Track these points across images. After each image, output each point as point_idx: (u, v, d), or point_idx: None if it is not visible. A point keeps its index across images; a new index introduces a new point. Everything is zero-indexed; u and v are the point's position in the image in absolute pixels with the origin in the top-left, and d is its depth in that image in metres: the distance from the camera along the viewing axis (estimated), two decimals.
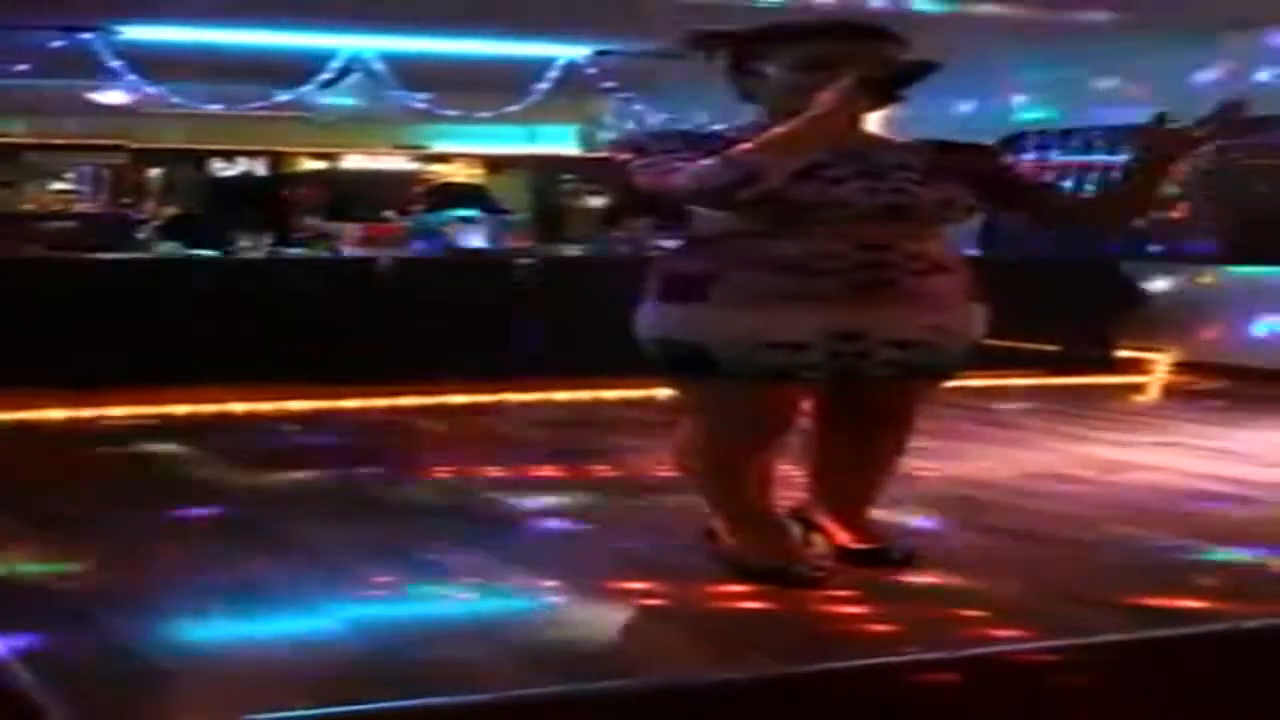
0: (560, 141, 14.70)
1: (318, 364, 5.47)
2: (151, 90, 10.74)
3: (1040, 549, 3.35)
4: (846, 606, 2.79)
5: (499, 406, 5.43)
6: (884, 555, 3.11)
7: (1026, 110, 9.05)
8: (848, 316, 2.80)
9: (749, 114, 3.01)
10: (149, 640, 2.54)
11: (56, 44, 9.69)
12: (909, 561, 3.10)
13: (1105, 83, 8.43)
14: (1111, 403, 6.21)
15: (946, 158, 2.96)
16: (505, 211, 9.89)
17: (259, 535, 3.35)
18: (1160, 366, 7.08)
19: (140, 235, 7.53)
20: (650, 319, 2.93)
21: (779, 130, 2.77)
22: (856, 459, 3.15)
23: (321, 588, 2.88)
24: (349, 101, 10.82)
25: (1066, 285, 7.08)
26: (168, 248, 6.64)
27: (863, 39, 2.88)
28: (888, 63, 2.83)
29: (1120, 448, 4.81)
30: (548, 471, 4.16)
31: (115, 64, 10.10)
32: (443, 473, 4.14)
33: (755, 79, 2.98)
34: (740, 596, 2.85)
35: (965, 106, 9.01)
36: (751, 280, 2.81)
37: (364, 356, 5.62)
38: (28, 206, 10.72)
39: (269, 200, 7.72)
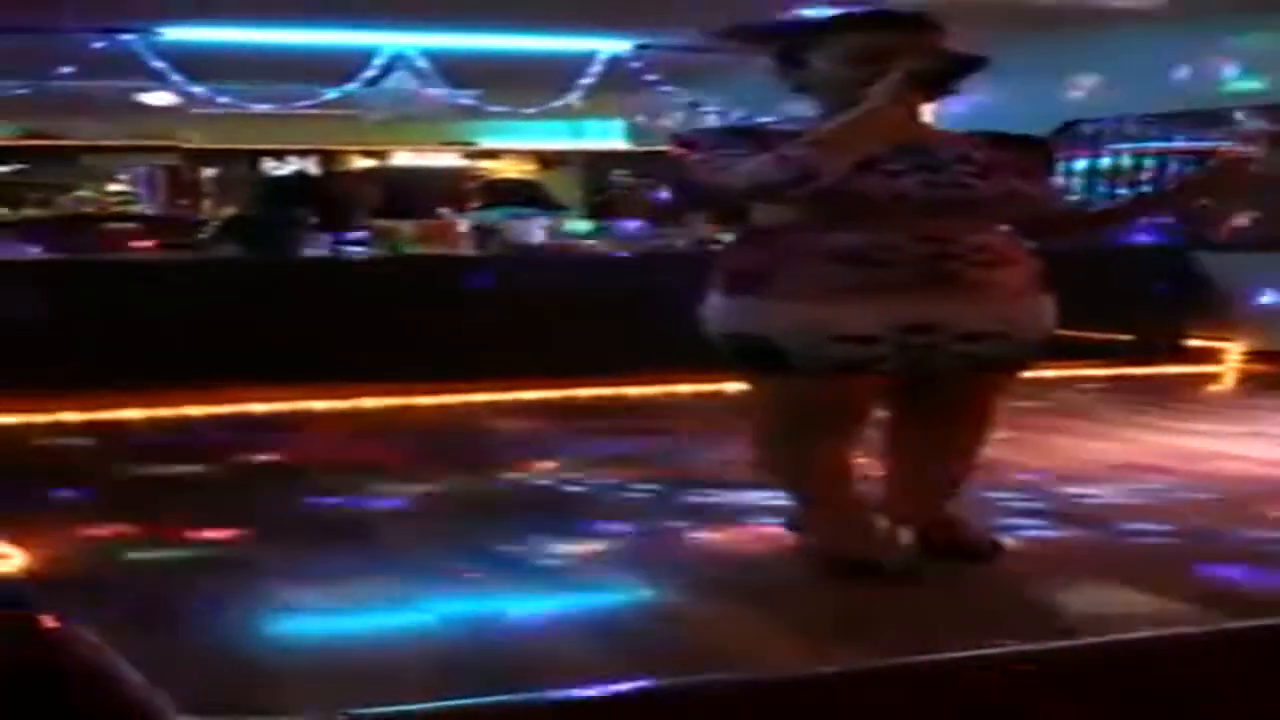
0: (608, 136, 14.71)
1: (390, 362, 5.48)
2: (198, 90, 10.84)
3: (1129, 540, 3.31)
4: (937, 598, 2.77)
5: (571, 401, 5.43)
6: (971, 547, 3.08)
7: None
8: (916, 309, 2.78)
9: (801, 105, 2.99)
10: (248, 637, 2.56)
11: (98, 45, 9.81)
12: (996, 553, 3.07)
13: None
14: (1188, 392, 6.15)
15: (1003, 151, 2.94)
16: (561, 207, 9.90)
17: (345, 531, 3.36)
18: (1232, 356, 6.99)
19: (201, 235, 7.58)
20: (716, 312, 2.93)
21: (831, 126, 2.76)
22: (936, 452, 3.12)
23: (411, 583, 2.88)
24: (397, 98, 10.87)
25: (1134, 274, 7.01)
26: (229, 248, 6.67)
27: (910, 30, 2.85)
28: (938, 55, 2.80)
29: (1202, 437, 4.75)
30: (627, 465, 4.14)
31: (159, 65, 10.21)
32: (523, 468, 4.13)
33: (804, 73, 2.95)
34: (831, 589, 2.84)
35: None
36: (812, 272, 2.79)
37: (437, 354, 5.62)
38: (87, 209, 10.85)
39: (325, 199, 7.74)
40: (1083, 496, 3.78)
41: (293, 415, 5.11)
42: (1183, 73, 8.12)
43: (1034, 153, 3.06)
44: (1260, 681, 2.52)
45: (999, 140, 2.97)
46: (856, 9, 2.93)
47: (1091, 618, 2.67)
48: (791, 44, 2.96)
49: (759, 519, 3.32)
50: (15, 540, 3.08)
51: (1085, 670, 2.47)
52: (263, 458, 4.47)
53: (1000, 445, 3.71)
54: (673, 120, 11.34)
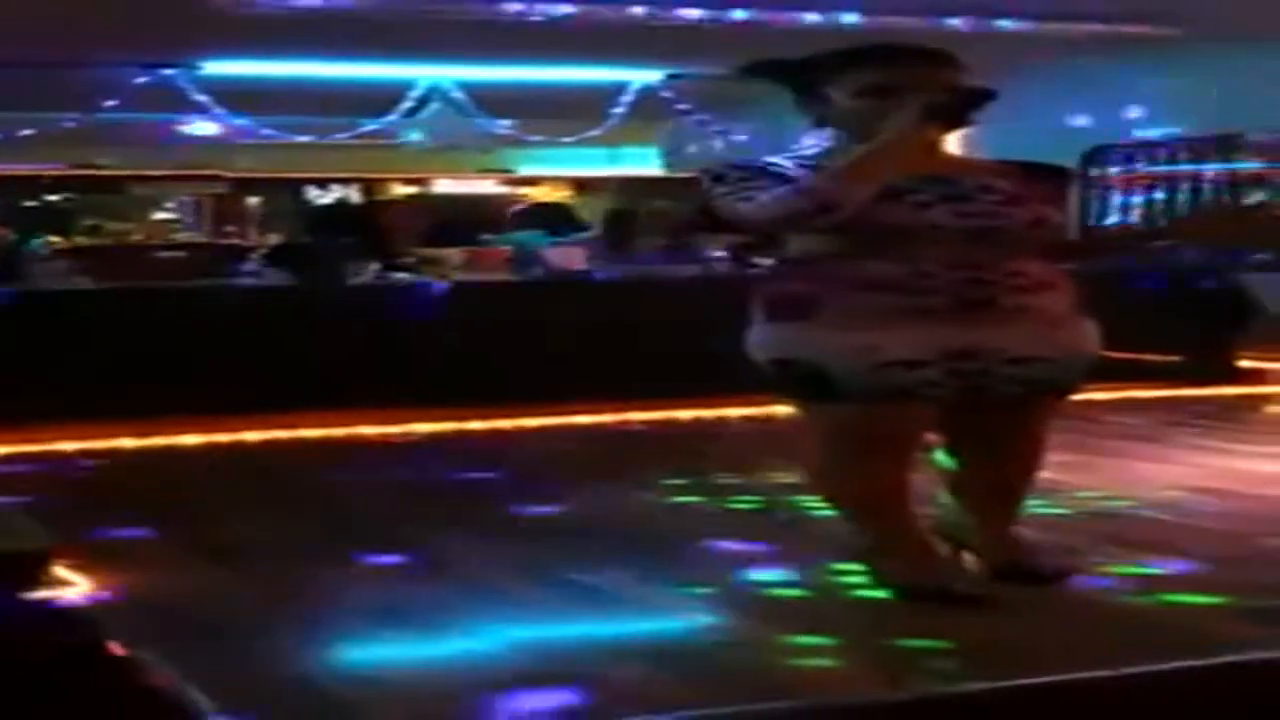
0: (645, 162, 14.81)
1: (440, 387, 5.49)
2: (240, 122, 10.99)
3: (1198, 565, 3.26)
4: (1009, 624, 2.73)
5: (624, 425, 5.41)
6: (1035, 572, 3.05)
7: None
8: (961, 335, 2.80)
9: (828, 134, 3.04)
10: (314, 664, 2.54)
11: (141, 80, 9.98)
12: (1061, 578, 3.04)
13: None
14: (1243, 414, 6.06)
15: (1027, 179, 2.98)
16: (586, 229, 9.92)
17: (408, 558, 3.34)
18: None
19: (248, 264, 7.62)
20: (762, 340, 2.93)
21: (850, 158, 2.82)
22: (991, 477, 3.11)
23: (478, 609, 2.86)
24: (438, 127, 10.97)
25: (1184, 295, 6.96)
26: (277, 276, 6.70)
27: (922, 64, 2.91)
28: (951, 88, 2.86)
29: (1263, 460, 4.66)
30: (685, 490, 4.11)
31: (201, 98, 10.37)
32: (583, 493, 4.11)
33: (823, 107, 3.00)
34: (898, 615, 2.81)
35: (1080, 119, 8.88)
36: (853, 300, 2.81)
37: (487, 378, 5.63)
38: (136, 238, 10.98)
39: (369, 227, 7.78)
40: (1148, 520, 3.73)
41: (346, 439, 5.12)
42: (1208, 96, 8.08)
43: (1054, 180, 3.10)
44: None
45: (1020, 169, 3.01)
46: (868, 44, 2.99)
47: (1169, 640, 2.62)
48: (810, 79, 3.01)
49: (819, 543, 3.29)
50: (81, 567, 3.08)
51: (1165, 696, 2.43)
52: (324, 482, 4.46)
53: (1061, 468, 3.68)
54: (703, 147, 11.41)
